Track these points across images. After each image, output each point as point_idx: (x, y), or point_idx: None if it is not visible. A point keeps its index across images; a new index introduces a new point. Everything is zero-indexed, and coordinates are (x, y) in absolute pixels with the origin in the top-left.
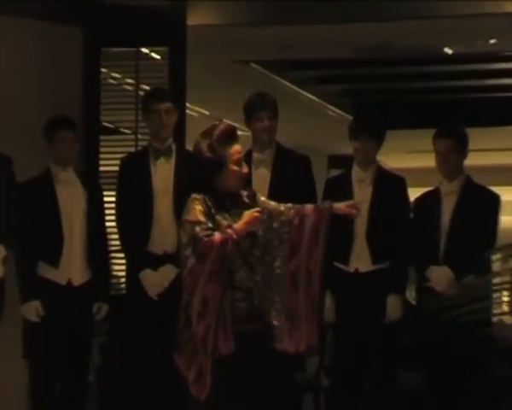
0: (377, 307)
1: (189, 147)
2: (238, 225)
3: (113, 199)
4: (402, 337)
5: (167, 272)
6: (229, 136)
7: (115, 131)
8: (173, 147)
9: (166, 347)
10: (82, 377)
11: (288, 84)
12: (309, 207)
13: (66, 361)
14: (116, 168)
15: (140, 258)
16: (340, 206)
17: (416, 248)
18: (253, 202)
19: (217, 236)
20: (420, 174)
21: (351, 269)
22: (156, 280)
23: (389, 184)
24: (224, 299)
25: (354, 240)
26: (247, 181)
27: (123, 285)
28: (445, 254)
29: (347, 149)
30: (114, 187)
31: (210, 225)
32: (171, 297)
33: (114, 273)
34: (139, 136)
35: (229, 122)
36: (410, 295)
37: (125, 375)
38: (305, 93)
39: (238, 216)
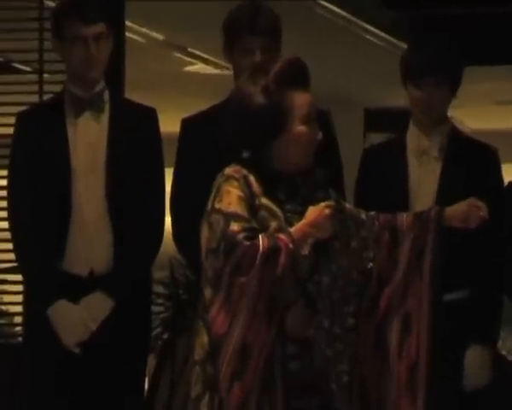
0: (449, 366)
1: (132, 95)
2: (297, 226)
3: (4, 183)
4: None
5: (95, 306)
6: (297, 75)
7: (6, 69)
8: (106, 95)
9: None
10: None
11: None
12: (406, 215)
13: None
14: (9, 131)
15: (49, 282)
16: (457, 210)
17: None
18: (322, 193)
19: (262, 240)
20: None
21: None
22: (77, 319)
23: (470, 159)
24: (273, 353)
25: None
26: (316, 157)
27: (19, 329)
28: None
29: (398, 99)
30: (6, 162)
31: (254, 224)
32: (106, 350)
33: (5, 309)
34: (46, 76)
35: (297, 56)
36: (504, 345)
37: None
38: (324, 3)
39: (298, 215)
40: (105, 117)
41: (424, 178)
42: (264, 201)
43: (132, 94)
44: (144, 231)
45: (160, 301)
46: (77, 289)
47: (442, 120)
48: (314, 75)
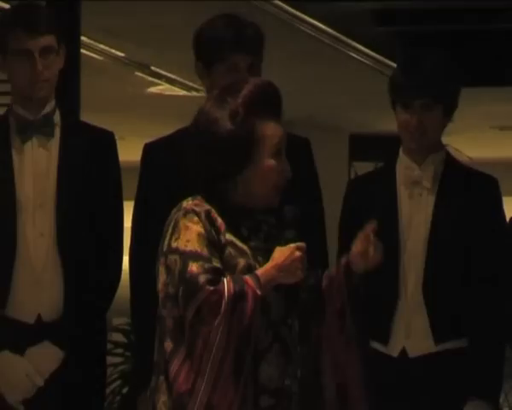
0: None
1: (88, 119)
2: (265, 269)
3: None
4: None
5: (43, 358)
6: (268, 101)
7: None
8: (56, 117)
9: None
10: None
11: (275, 1)
12: (324, 279)
13: None
14: None
15: None
16: (357, 247)
17: None
18: (292, 233)
19: (227, 285)
20: None
21: (393, 352)
22: (22, 373)
23: (468, 191)
24: (245, 406)
25: (400, 298)
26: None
27: None
28: None
29: (386, 123)
30: None
31: (216, 264)
32: (54, 408)
33: None
34: None
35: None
36: (506, 401)
37: None
38: (305, 17)
39: (262, 253)
40: (55, 142)
41: (416, 211)
42: (230, 237)
43: (88, 117)
44: (99, 272)
45: (118, 350)
46: (22, 338)
47: (435, 148)
48: (294, 96)
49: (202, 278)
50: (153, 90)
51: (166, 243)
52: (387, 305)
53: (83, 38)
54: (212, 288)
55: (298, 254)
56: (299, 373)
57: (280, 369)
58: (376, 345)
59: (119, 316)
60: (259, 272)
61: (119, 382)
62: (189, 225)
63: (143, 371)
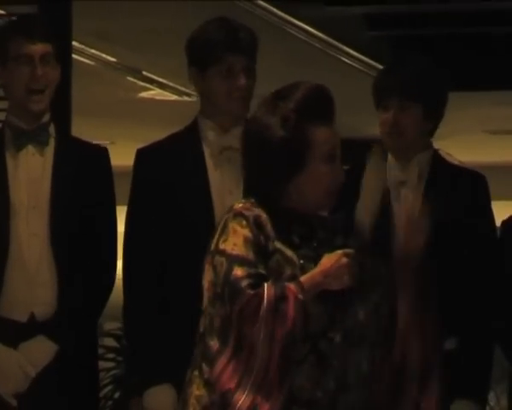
0: None
1: (80, 124)
2: (309, 275)
3: None
4: None
5: (37, 351)
6: (321, 106)
7: None
8: (51, 129)
9: None
10: None
11: (265, 4)
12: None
13: None
14: None
15: None
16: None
17: (508, 314)
18: (341, 239)
19: (267, 289)
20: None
21: None
22: (15, 366)
23: (455, 190)
24: None
25: None
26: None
27: None
28: None
29: (377, 127)
30: None
31: (261, 269)
32: (49, 400)
33: None
34: None
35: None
36: (498, 404)
37: None
38: (295, 21)
39: (314, 262)
40: (50, 150)
41: (403, 214)
42: (278, 245)
43: (80, 122)
44: (93, 276)
45: (110, 355)
46: (15, 334)
47: (420, 148)
48: None
49: (245, 282)
50: (144, 94)
51: (214, 242)
52: None
53: (74, 43)
54: (252, 292)
55: (345, 260)
56: (332, 385)
57: (313, 381)
58: None
59: (110, 321)
60: (303, 278)
61: (110, 386)
62: (238, 228)
63: (136, 374)
